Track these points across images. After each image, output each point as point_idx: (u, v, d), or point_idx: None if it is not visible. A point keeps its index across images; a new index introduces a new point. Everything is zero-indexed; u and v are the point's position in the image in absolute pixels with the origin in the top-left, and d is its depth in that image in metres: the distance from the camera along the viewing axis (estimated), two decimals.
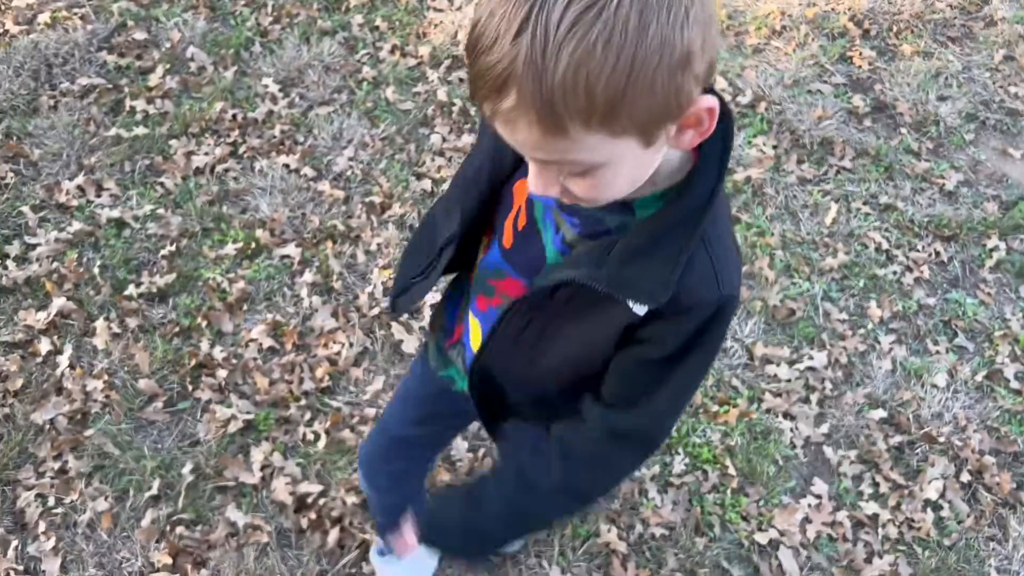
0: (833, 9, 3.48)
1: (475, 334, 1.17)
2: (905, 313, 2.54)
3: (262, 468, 2.10)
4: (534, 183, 0.83)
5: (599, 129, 0.71)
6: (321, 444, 2.14)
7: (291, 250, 2.51)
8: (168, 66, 2.99)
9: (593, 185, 0.80)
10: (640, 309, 0.90)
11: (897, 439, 2.27)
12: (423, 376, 1.40)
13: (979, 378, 2.41)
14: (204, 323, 2.35)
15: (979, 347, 2.49)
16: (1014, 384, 2.40)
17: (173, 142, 2.76)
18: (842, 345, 2.44)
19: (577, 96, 0.67)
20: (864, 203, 2.80)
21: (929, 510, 2.17)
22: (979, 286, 2.64)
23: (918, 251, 2.70)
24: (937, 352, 2.46)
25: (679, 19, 0.68)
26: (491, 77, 0.69)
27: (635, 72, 0.67)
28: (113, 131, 2.76)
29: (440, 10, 3.32)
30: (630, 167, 0.80)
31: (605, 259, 0.88)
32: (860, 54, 3.30)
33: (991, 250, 2.71)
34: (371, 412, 2.19)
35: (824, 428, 2.27)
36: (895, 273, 2.63)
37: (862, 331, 2.48)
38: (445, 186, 2.70)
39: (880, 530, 2.13)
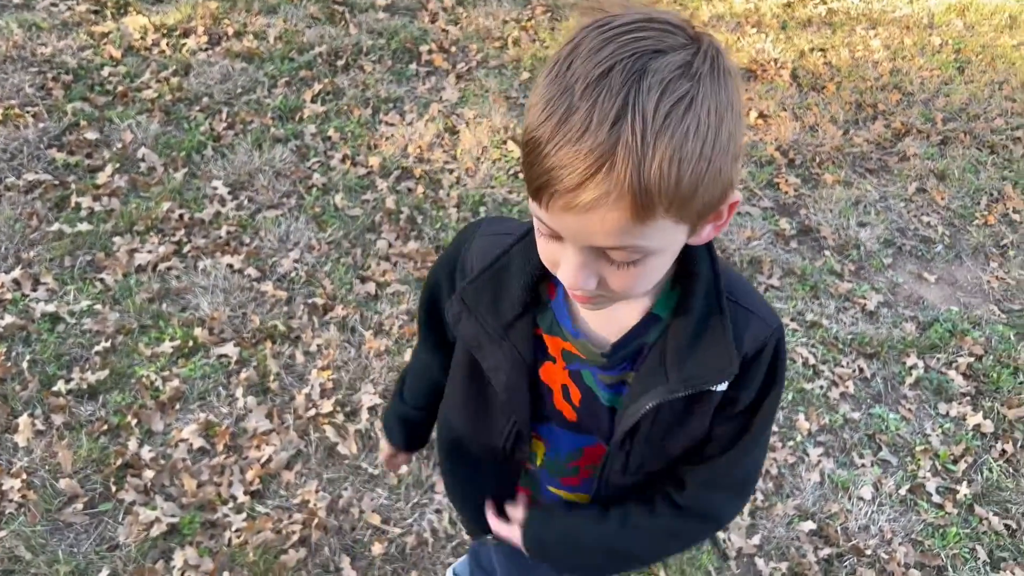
0: (761, 139, 3.72)
1: (582, 499, 1.16)
2: (832, 426, 2.62)
3: (182, 574, 2.02)
4: (575, 276, 0.80)
5: (673, 215, 0.73)
6: (248, 549, 2.07)
7: (229, 349, 2.50)
8: (118, 165, 3.02)
9: (636, 275, 0.80)
10: (722, 386, 0.94)
11: (826, 551, 2.30)
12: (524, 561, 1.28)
13: (903, 491, 2.48)
14: (134, 421, 2.30)
15: (902, 461, 2.57)
16: (936, 498, 2.47)
17: (117, 239, 2.77)
18: (773, 457, 2.49)
19: (670, 182, 0.70)
20: (792, 319, 2.93)
21: None
22: (900, 402, 2.75)
23: (843, 367, 2.81)
24: (863, 465, 2.53)
25: (738, 117, 0.74)
26: (584, 164, 0.69)
27: (712, 162, 0.71)
28: (56, 226, 2.75)
29: (391, 124, 3.45)
30: (669, 257, 0.83)
31: (664, 369, 0.92)
32: (786, 181, 3.51)
33: (910, 368, 2.84)
34: (299, 517, 2.14)
35: (756, 539, 2.29)
36: (822, 388, 2.72)
37: (791, 443, 2.54)
38: (391, 290, 2.74)
39: None
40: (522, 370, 0.99)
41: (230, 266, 2.74)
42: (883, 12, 4.86)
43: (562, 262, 0.81)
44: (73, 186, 2.92)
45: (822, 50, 4.40)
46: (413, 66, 3.80)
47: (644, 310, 0.95)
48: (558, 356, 1.01)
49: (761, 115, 3.85)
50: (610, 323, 0.96)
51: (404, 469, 2.26)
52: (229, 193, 3.00)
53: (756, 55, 4.26)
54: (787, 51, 4.33)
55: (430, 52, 3.88)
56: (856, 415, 2.67)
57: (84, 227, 2.77)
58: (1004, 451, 2.64)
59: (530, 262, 0.95)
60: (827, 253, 3.23)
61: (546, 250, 0.83)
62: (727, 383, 0.94)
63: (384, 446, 1.44)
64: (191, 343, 2.50)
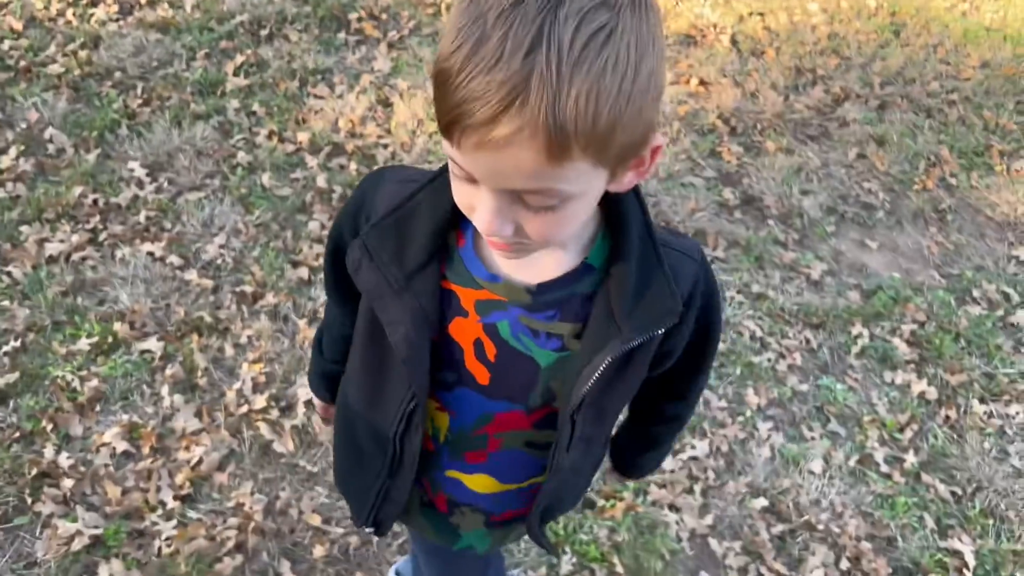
0: (703, 108, 3.66)
1: (483, 483, 1.09)
2: (781, 400, 2.60)
3: None
4: (489, 221, 0.76)
5: (591, 156, 0.69)
6: (180, 559, 1.95)
7: (152, 344, 2.34)
8: (23, 147, 2.80)
9: (554, 221, 0.76)
10: (661, 330, 0.92)
11: (779, 528, 2.28)
12: (444, 555, 1.30)
13: (852, 463, 2.47)
14: (50, 426, 2.14)
15: (850, 432, 2.56)
16: (884, 468, 2.47)
17: (24, 228, 2.57)
18: (723, 433, 2.46)
19: (587, 119, 0.66)
20: (738, 292, 2.89)
21: None
22: (847, 372, 2.74)
23: (789, 338, 2.78)
24: (812, 438, 2.51)
25: (660, 54, 0.70)
26: (496, 97, 0.64)
27: (632, 99, 0.67)
28: None
29: (320, 97, 3.28)
30: (588, 203, 0.79)
31: (614, 320, 0.89)
32: (729, 150, 3.46)
33: (856, 337, 2.83)
34: (234, 521, 2.02)
35: (708, 519, 2.26)
36: (769, 360, 2.69)
37: (741, 418, 2.51)
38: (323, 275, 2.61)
39: None
40: (423, 325, 0.92)
41: (151, 254, 2.57)
42: None
43: (477, 206, 0.76)
44: None
45: (761, 14, 4.35)
46: (342, 35, 3.62)
47: (573, 260, 0.91)
48: (471, 309, 0.93)
49: (702, 82, 3.79)
50: (532, 269, 0.91)
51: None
52: (147, 175, 2.81)
53: (695, 20, 4.18)
54: (726, 16, 4.27)
55: (359, 20, 3.70)
56: (804, 387, 2.65)
57: None
58: (948, 417, 2.65)
59: (439, 207, 0.90)
60: (771, 223, 3.20)
61: (460, 193, 0.79)
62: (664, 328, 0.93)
63: (316, 402, 1.40)
64: (110, 339, 2.34)
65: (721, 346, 2.68)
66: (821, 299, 2.94)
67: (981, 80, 4.19)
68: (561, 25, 0.64)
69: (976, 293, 3.07)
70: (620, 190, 0.82)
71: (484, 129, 0.66)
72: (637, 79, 0.67)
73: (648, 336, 0.90)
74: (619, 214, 0.90)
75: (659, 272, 0.90)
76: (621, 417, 1.20)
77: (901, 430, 2.59)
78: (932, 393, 2.69)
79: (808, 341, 2.80)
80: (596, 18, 0.65)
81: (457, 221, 0.91)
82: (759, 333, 2.77)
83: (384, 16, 3.79)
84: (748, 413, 2.53)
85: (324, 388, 1.32)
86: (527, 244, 0.80)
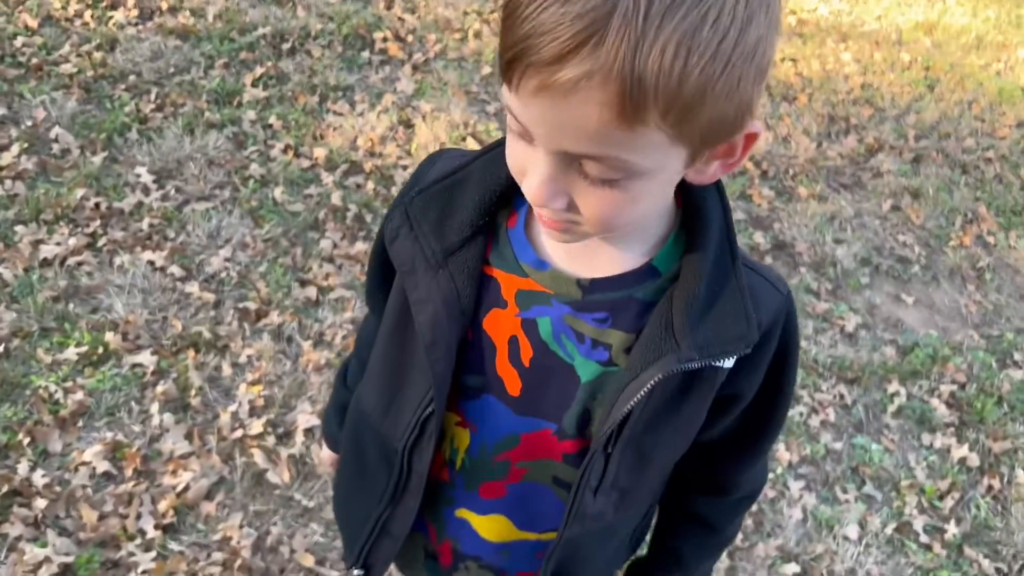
0: None
1: (497, 527, 0.91)
2: (813, 457, 2.42)
3: None
4: (539, 188, 0.64)
5: (669, 127, 0.58)
6: None
7: (145, 358, 2.17)
8: (26, 145, 2.67)
9: (614, 201, 0.64)
10: (729, 362, 0.76)
11: None
12: None
13: (889, 530, 2.29)
14: (27, 440, 1.97)
15: (887, 496, 2.38)
16: (924, 538, 2.29)
17: (19, 228, 2.42)
18: None
19: (671, 76, 0.54)
20: None
21: None
22: (883, 432, 2.56)
23: (823, 392, 2.61)
24: (846, 501, 2.33)
25: (773, 23, 0.58)
26: (568, 32, 0.54)
27: (730, 66, 0.56)
28: None
29: (340, 114, 3.16)
30: (659, 188, 0.66)
31: (673, 335, 0.73)
32: (759, 193, 3.33)
33: (892, 395, 2.66)
34: (219, 556, 1.84)
35: None
36: (802, 415, 2.52)
37: (771, 476, 2.33)
38: (334, 295, 2.45)
39: None
40: (456, 310, 0.78)
41: (151, 263, 2.42)
42: (852, 26, 4.76)
43: (529, 170, 0.65)
44: None
45: (793, 60, 4.26)
46: (366, 54, 3.51)
47: (639, 259, 0.77)
48: (511, 300, 0.79)
49: None
50: (587, 260, 0.77)
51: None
52: (154, 181, 2.67)
53: None
54: None
55: (384, 40, 3.60)
56: (838, 445, 2.48)
57: None
58: (991, 487, 2.47)
59: (491, 178, 0.78)
60: (803, 270, 3.05)
61: (514, 152, 0.67)
62: (733, 362, 0.77)
63: (324, 451, 1.21)
64: (101, 350, 2.17)
65: None
66: (856, 353, 2.77)
67: (1017, 139, 4.08)
68: None
69: (1018, 356, 2.91)
70: (702, 181, 0.70)
71: (548, 70, 0.55)
72: (741, 42, 0.56)
73: (710, 361, 0.75)
74: (697, 213, 0.76)
75: (735, 289, 0.76)
76: None
77: (941, 498, 2.40)
78: (974, 460, 2.51)
79: (842, 396, 2.63)
80: None
81: (512, 198, 0.78)
82: None
83: (410, 38, 3.69)
84: (779, 470, 2.35)
85: (338, 424, 1.13)
86: (580, 225, 0.68)
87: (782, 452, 2.39)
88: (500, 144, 0.76)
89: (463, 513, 0.91)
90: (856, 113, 3.97)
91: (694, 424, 0.84)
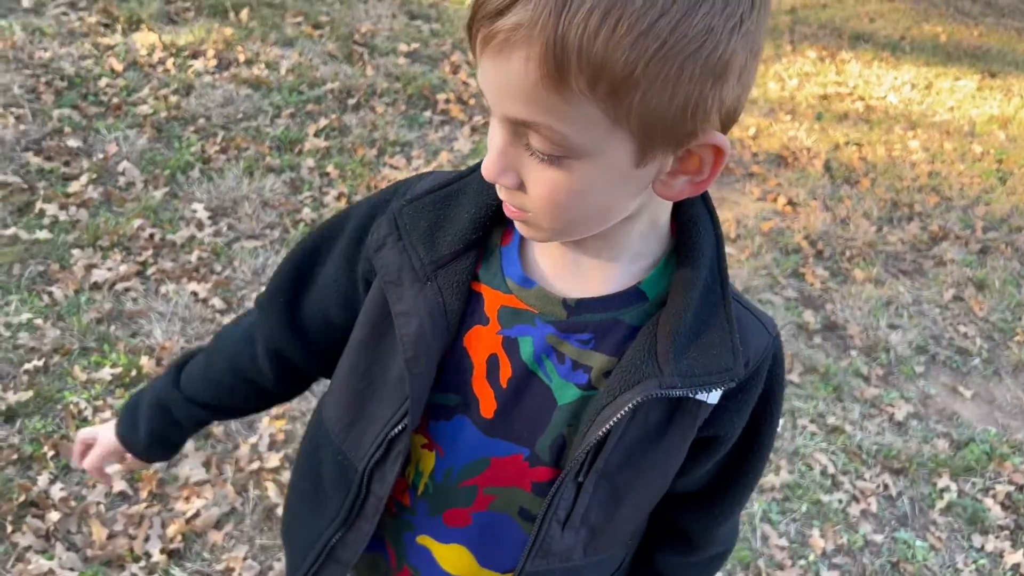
0: (788, 227, 3.48)
1: (458, 560, 0.86)
2: (850, 548, 2.28)
3: None
4: (493, 159, 0.65)
5: (601, 101, 0.57)
6: None
7: None
8: (95, 176, 2.80)
9: (559, 184, 0.63)
10: (713, 397, 0.74)
11: None
12: None
13: None
14: (51, 453, 2.00)
15: None
16: None
17: (76, 251, 2.52)
18: None
19: (596, 43, 0.54)
20: (811, 421, 2.61)
21: None
22: (929, 528, 2.40)
23: (866, 480, 2.48)
24: None
25: (731, 21, 0.57)
26: None
27: (667, 47, 0.55)
28: (12, 230, 2.51)
29: (396, 167, 3.24)
30: (608, 182, 0.64)
31: (656, 360, 0.71)
32: (813, 272, 3.25)
33: (942, 490, 2.51)
34: None
35: None
36: (840, 501, 2.39)
37: (802, 562, 2.20)
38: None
39: None
40: (440, 324, 0.75)
41: (194, 294, 2.48)
42: (923, 115, 4.69)
43: (489, 145, 0.66)
44: (42, 192, 2.69)
45: (857, 144, 4.20)
46: (428, 113, 3.61)
47: (626, 281, 0.75)
48: (493, 316, 0.77)
49: (790, 202, 3.62)
50: (575, 280, 0.76)
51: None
52: (209, 218, 2.76)
53: (788, 141, 4.06)
54: (821, 141, 4.14)
55: (447, 101, 3.70)
56: (878, 537, 2.33)
57: (43, 235, 2.53)
58: None
59: (487, 192, 0.76)
60: (853, 353, 2.94)
61: (489, 136, 0.67)
62: (718, 396, 0.75)
63: (104, 436, 1.03)
64: (134, 372, 2.22)
65: (788, 477, 2.39)
66: (904, 443, 2.63)
67: None
68: None
69: None
70: (669, 196, 0.68)
71: (490, 22, 0.58)
72: (682, 26, 0.54)
73: (693, 391, 0.72)
74: (689, 240, 0.74)
75: (723, 321, 0.74)
76: None
77: None
78: None
79: (886, 487, 2.48)
80: None
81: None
82: (831, 469, 2.47)
83: (472, 101, 3.79)
84: (811, 557, 2.22)
85: (146, 420, 0.99)
86: (533, 212, 0.67)
87: (816, 539, 2.26)
88: None
89: (424, 540, 0.87)
90: (921, 200, 3.87)
91: (672, 463, 0.80)
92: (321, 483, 0.89)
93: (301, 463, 0.97)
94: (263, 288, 0.98)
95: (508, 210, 0.70)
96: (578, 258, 0.75)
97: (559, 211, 0.66)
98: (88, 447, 1.06)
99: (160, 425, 1.00)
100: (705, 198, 0.77)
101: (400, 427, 0.79)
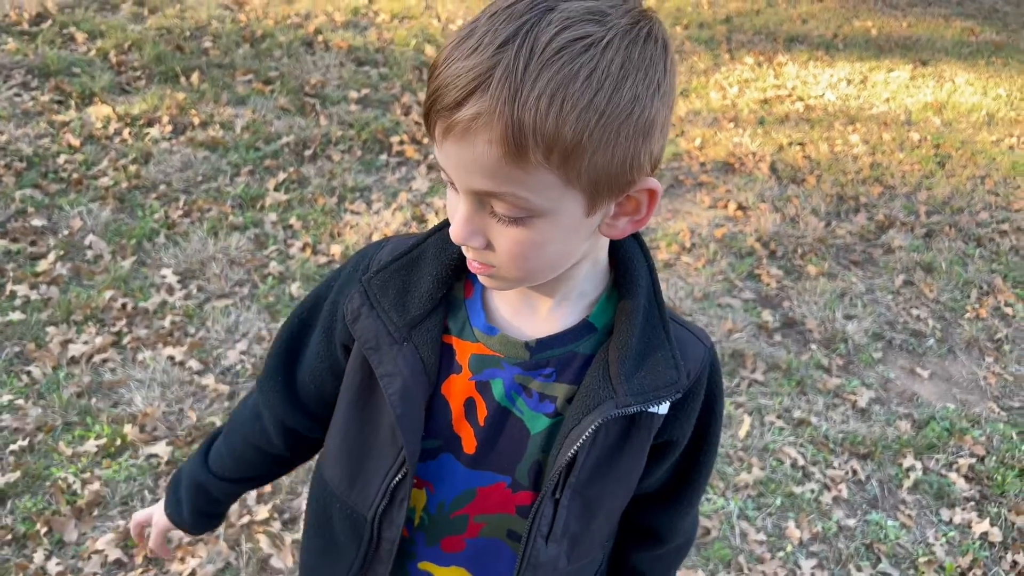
0: (741, 231, 3.61)
1: None
2: (825, 535, 2.38)
3: None
4: (460, 226, 0.74)
5: (556, 168, 0.68)
6: None
7: (160, 449, 2.27)
8: (62, 252, 2.86)
9: (523, 241, 0.73)
10: (664, 408, 0.85)
11: None
12: None
13: None
14: (44, 530, 2.05)
15: (904, 574, 2.32)
16: None
17: (51, 329, 2.57)
18: (761, 569, 2.24)
19: (547, 122, 0.65)
20: (778, 416, 2.72)
21: None
22: (899, 507, 2.51)
23: (835, 468, 2.58)
24: None
25: (651, 87, 0.68)
26: (463, 82, 0.66)
27: (605, 117, 0.66)
28: None
29: (357, 213, 3.33)
30: (564, 232, 0.74)
31: (610, 383, 0.82)
32: (768, 273, 3.37)
33: (908, 470, 2.62)
34: None
35: None
36: (813, 491, 2.49)
37: (781, 554, 2.29)
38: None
39: None
40: (421, 380, 0.85)
41: (171, 358, 2.54)
42: (860, 109, 4.87)
43: (455, 213, 0.75)
44: (11, 274, 2.75)
45: (801, 144, 4.36)
46: (383, 156, 3.71)
47: (576, 317, 0.86)
48: (465, 364, 0.87)
49: (740, 207, 3.75)
50: (532, 322, 0.86)
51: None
52: (178, 282, 2.83)
53: (734, 148, 4.21)
54: (765, 145, 4.29)
55: (401, 143, 3.80)
56: (851, 522, 2.43)
57: (16, 316, 2.58)
58: (1015, 563, 2.39)
59: (445, 253, 0.86)
60: (813, 347, 3.05)
61: (448, 204, 0.78)
62: (667, 407, 0.86)
63: (158, 517, 1.13)
64: (118, 441, 2.28)
65: (760, 474, 2.50)
66: (869, 428, 2.75)
67: None
68: (542, 27, 0.65)
69: None
70: (615, 236, 0.79)
71: (449, 113, 0.67)
72: (615, 98, 0.66)
73: (645, 406, 0.82)
74: (626, 273, 0.86)
75: (664, 340, 0.85)
76: None
77: (963, 575, 2.33)
78: (996, 535, 2.44)
79: (855, 472, 2.59)
80: (582, 28, 0.65)
81: (465, 270, 0.86)
82: (801, 462, 2.58)
83: (426, 140, 3.89)
84: (789, 548, 2.32)
85: (188, 501, 1.09)
86: (498, 268, 0.77)
87: (791, 529, 2.36)
88: (447, 223, 0.84)
89: (426, 566, 0.95)
90: (866, 192, 4.02)
91: (635, 470, 0.90)
92: (334, 537, 0.97)
93: (312, 523, 1.04)
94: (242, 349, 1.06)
95: (473, 266, 0.79)
96: (533, 302, 0.85)
97: (524, 262, 0.76)
98: (143, 527, 1.16)
99: (200, 503, 1.10)
100: (636, 234, 0.87)
101: (399, 476, 0.87)
